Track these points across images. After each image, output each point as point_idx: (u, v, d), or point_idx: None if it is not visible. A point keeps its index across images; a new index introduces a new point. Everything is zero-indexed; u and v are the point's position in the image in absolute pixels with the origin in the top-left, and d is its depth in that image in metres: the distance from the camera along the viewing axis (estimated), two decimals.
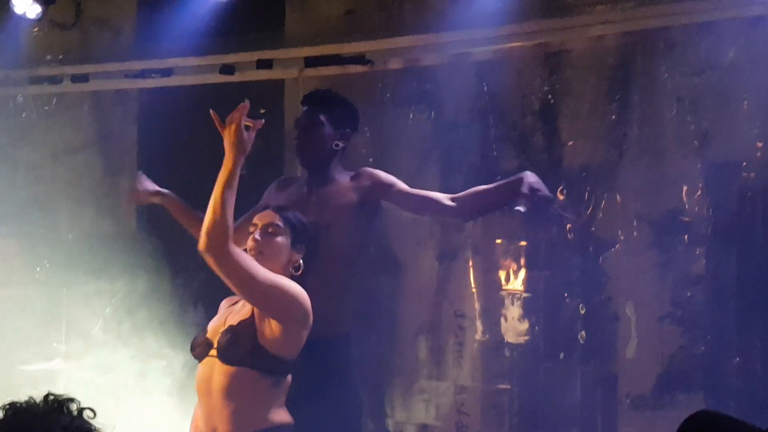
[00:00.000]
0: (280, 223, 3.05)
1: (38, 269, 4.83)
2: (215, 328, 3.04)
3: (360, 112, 3.49)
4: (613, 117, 3.84)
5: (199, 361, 3.05)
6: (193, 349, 3.07)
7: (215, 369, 2.96)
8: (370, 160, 4.37)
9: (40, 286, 4.69)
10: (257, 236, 3.03)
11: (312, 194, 3.41)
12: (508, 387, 3.95)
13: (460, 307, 4.13)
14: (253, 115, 2.80)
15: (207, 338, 3.01)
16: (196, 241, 2.74)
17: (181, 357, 3.92)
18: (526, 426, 3.89)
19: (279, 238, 3.04)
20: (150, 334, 4.10)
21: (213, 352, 2.96)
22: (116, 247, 4.61)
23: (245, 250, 3.01)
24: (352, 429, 3.35)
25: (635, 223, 3.77)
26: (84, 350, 4.41)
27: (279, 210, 3.08)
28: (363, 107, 4.09)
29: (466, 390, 4.06)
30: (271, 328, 2.91)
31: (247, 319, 2.94)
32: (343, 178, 3.40)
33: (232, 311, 3.06)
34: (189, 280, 4.41)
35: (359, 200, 3.35)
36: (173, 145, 4.76)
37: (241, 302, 3.05)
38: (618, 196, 3.81)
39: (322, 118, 3.38)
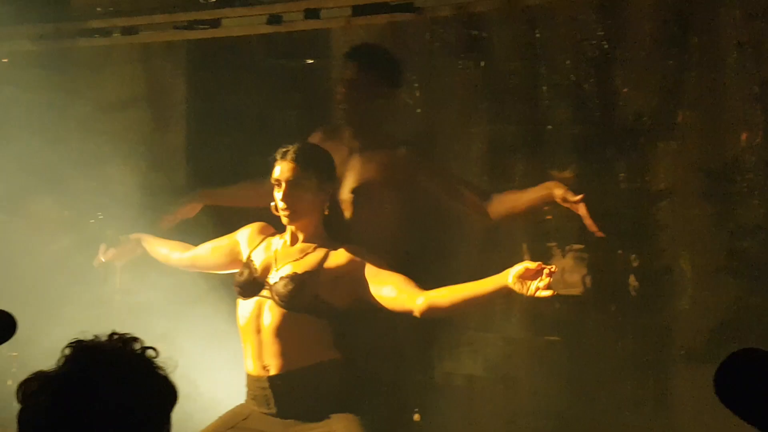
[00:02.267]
0: (303, 174, 2.96)
1: (92, 221, 4.88)
2: (265, 266, 2.97)
3: (408, 61, 3.41)
4: (670, 62, 3.72)
5: (245, 299, 3.01)
6: (241, 287, 3.00)
7: (266, 308, 2.93)
8: (418, 110, 4.29)
9: (94, 238, 4.74)
10: (284, 197, 2.94)
11: (352, 154, 3.34)
12: (558, 339, 3.90)
13: (510, 258, 4.06)
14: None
15: (257, 278, 2.95)
16: None
17: (225, 304, 3.95)
18: (576, 378, 3.83)
19: (307, 194, 2.96)
20: (199, 281, 4.12)
21: (265, 292, 2.92)
22: (166, 201, 4.63)
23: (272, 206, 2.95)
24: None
25: (691, 172, 3.67)
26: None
27: (295, 159, 2.97)
28: (411, 56, 4.01)
29: (515, 342, 4.02)
30: (337, 287, 2.88)
31: (313, 271, 2.90)
32: (384, 147, 3.31)
33: (288, 253, 2.97)
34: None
35: (391, 175, 3.27)
36: (221, 97, 4.74)
37: (300, 247, 2.98)
38: (674, 144, 3.70)
39: (369, 74, 3.29)
